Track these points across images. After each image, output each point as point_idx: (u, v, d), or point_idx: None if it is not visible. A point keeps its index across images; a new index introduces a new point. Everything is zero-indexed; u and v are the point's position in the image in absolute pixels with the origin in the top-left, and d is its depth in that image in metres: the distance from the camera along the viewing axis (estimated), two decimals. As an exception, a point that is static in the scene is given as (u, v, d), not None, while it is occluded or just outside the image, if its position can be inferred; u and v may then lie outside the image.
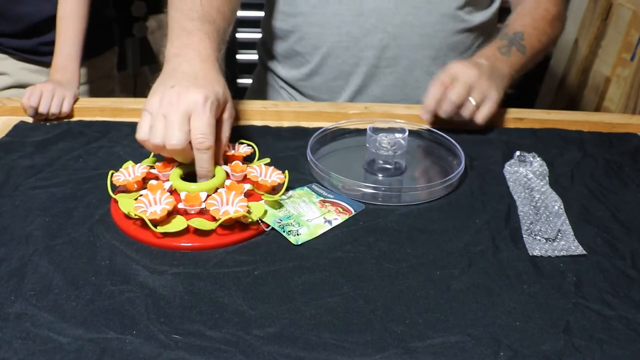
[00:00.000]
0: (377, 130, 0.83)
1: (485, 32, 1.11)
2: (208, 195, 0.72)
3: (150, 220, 0.68)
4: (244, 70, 2.14)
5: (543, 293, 0.63)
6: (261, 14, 1.18)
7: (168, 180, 0.76)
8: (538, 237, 0.71)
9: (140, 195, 0.72)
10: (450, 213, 0.76)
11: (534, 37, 1.00)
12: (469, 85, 0.89)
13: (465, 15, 1.05)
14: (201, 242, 0.69)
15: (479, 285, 0.64)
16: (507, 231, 0.72)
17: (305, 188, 0.79)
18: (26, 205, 0.75)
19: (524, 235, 0.71)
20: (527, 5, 1.05)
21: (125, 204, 0.72)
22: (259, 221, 0.71)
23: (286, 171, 0.77)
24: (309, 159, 0.82)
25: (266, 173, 0.76)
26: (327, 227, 0.72)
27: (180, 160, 0.76)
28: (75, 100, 1.02)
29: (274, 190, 0.76)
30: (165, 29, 2.30)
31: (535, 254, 0.69)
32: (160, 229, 0.69)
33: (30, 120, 0.98)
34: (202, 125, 0.72)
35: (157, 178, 0.78)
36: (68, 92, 1.00)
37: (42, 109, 0.95)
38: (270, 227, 0.71)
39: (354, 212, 0.75)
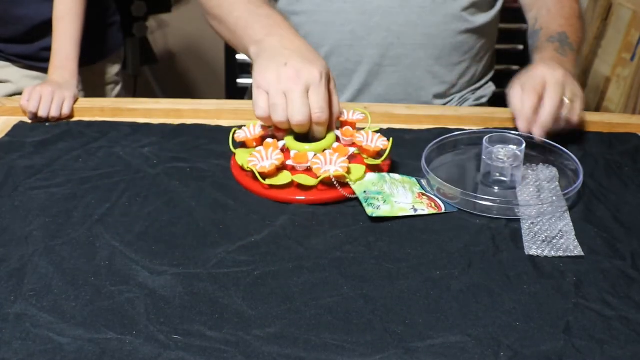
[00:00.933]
0: (493, 142, 0.80)
1: (487, 33, 1.11)
2: (315, 155, 0.79)
3: (260, 173, 0.76)
4: (244, 70, 2.13)
5: (543, 293, 0.63)
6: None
7: (282, 139, 0.83)
8: (538, 236, 0.71)
9: (254, 151, 0.79)
10: (450, 213, 0.76)
11: (574, 34, 0.99)
12: (562, 86, 0.85)
13: (469, 16, 1.05)
14: (304, 195, 0.76)
15: (479, 286, 0.64)
16: (507, 231, 0.72)
17: (414, 179, 0.80)
18: (26, 206, 0.75)
19: (523, 235, 0.71)
20: (552, 6, 1.04)
21: (241, 157, 0.81)
22: (338, 185, 0.76)
23: (391, 139, 0.81)
24: (423, 169, 0.80)
25: (372, 139, 0.81)
26: (411, 213, 0.74)
27: (297, 132, 0.81)
28: (75, 101, 1.02)
29: (378, 155, 0.81)
30: (165, 28, 2.30)
31: (532, 253, 0.69)
32: (267, 181, 0.77)
33: (30, 120, 0.98)
34: (320, 100, 0.77)
35: (273, 136, 0.84)
36: (68, 93, 1.00)
37: (42, 114, 0.95)
38: (354, 195, 0.76)
39: (443, 210, 0.75)
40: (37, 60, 1.28)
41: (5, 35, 1.27)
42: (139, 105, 1.00)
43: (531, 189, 0.79)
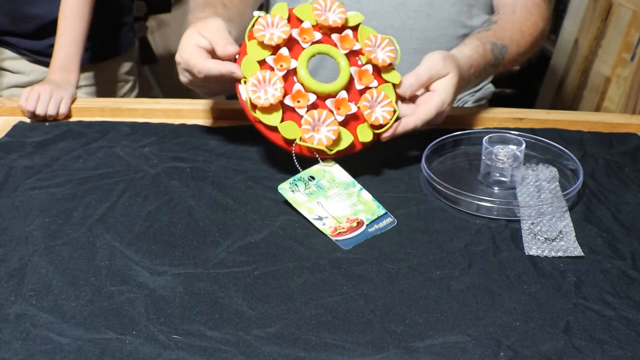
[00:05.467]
0: (493, 142, 0.80)
1: None
2: (317, 99, 0.78)
3: (252, 104, 0.76)
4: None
5: (543, 293, 0.63)
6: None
7: (301, 53, 0.79)
8: (538, 237, 0.71)
9: (260, 71, 0.77)
10: (450, 213, 0.76)
11: (512, 56, 0.97)
12: (437, 110, 0.83)
13: (466, 20, 1.05)
14: (280, 142, 0.78)
15: (479, 286, 0.64)
16: (508, 231, 0.72)
17: (380, 209, 0.75)
18: (26, 206, 0.75)
19: (523, 235, 0.71)
20: (518, 12, 1.01)
21: (248, 63, 0.78)
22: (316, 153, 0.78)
23: (397, 112, 0.80)
24: (423, 169, 0.80)
25: (379, 101, 0.80)
26: (314, 219, 0.73)
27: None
28: (73, 101, 1.02)
29: (378, 127, 0.80)
30: (165, 28, 2.29)
31: (531, 253, 0.69)
32: (257, 114, 0.77)
33: (29, 120, 0.98)
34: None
35: (292, 45, 0.80)
36: (66, 93, 1.00)
37: (40, 112, 0.96)
38: (330, 164, 0.79)
39: (339, 244, 0.70)
40: (45, 55, 1.31)
41: (17, 30, 1.31)
42: (139, 105, 1.00)
43: (531, 189, 0.79)
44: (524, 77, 2.18)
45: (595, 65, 1.94)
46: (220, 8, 0.91)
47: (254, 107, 0.77)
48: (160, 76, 2.21)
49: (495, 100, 1.19)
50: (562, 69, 2.10)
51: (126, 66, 1.46)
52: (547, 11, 1.04)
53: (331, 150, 0.78)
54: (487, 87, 1.18)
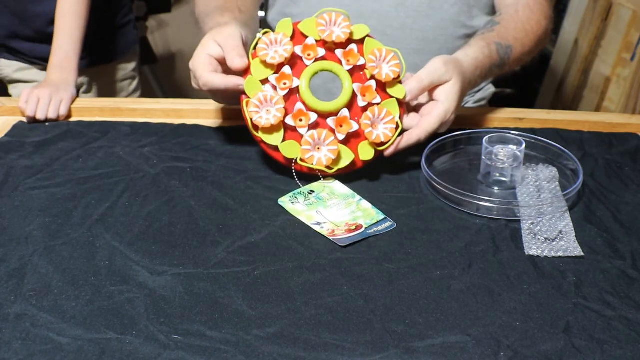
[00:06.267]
0: (493, 142, 0.80)
1: None
2: (319, 117, 0.78)
3: (254, 125, 0.78)
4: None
5: (543, 293, 0.63)
6: (261, 14, 1.18)
7: (304, 71, 0.79)
8: (538, 237, 0.71)
9: (261, 91, 0.78)
10: (450, 213, 0.76)
11: (517, 55, 0.97)
12: (441, 121, 0.83)
13: (466, 20, 1.04)
14: (281, 160, 0.79)
15: (479, 286, 0.64)
16: (508, 231, 0.72)
17: (379, 215, 0.75)
18: (26, 206, 0.75)
19: (523, 235, 0.71)
20: (521, 12, 1.01)
21: (253, 83, 0.79)
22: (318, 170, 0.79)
23: (400, 128, 0.80)
24: (423, 170, 0.80)
25: (381, 118, 0.79)
26: (313, 224, 0.73)
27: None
28: (73, 101, 1.02)
29: (380, 144, 0.80)
30: (165, 28, 2.30)
31: (531, 253, 0.69)
32: (260, 134, 0.78)
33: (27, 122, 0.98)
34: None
35: (295, 63, 0.80)
36: (65, 94, 1.00)
37: (40, 117, 0.96)
38: (329, 180, 0.80)
39: (336, 243, 0.70)
40: None
41: (25, 33, 1.31)
42: (139, 105, 1.00)
43: (531, 189, 0.79)
44: (524, 77, 2.18)
45: (595, 65, 1.94)
46: (237, 12, 0.92)
47: (256, 127, 0.78)
48: (160, 76, 2.21)
49: (495, 100, 1.19)
50: (562, 69, 2.10)
51: (132, 65, 1.47)
52: (550, 9, 1.04)
53: (331, 169, 0.78)
54: (487, 88, 1.18)
